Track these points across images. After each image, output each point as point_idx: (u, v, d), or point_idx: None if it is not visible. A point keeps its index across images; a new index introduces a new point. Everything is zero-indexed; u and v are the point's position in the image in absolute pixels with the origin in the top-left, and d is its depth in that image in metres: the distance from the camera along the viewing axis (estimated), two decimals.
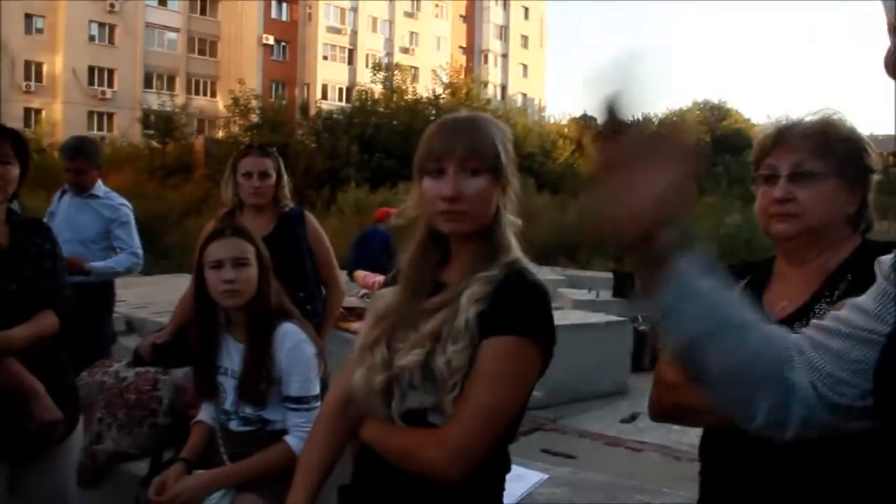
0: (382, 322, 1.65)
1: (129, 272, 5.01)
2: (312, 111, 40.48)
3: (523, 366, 1.53)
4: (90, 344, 4.45)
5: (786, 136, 1.65)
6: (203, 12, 50.61)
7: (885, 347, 0.87)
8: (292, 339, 2.53)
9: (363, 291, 7.24)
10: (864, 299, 0.97)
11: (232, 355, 2.58)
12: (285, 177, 3.91)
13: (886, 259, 0.94)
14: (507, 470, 1.69)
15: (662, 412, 1.77)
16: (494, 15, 60.36)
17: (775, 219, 1.65)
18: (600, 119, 0.93)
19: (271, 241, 3.66)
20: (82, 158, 4.87)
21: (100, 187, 4.98)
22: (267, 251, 2.64)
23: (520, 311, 1.53)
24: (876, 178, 1.66)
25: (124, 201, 5.06)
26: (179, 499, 2.41)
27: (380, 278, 7.34)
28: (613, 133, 0.92)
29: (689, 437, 6.31)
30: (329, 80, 50.79)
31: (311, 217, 4.05)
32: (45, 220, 5.02)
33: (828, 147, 1.60)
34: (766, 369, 0.97)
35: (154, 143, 38.65)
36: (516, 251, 1.62)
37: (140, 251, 4.97)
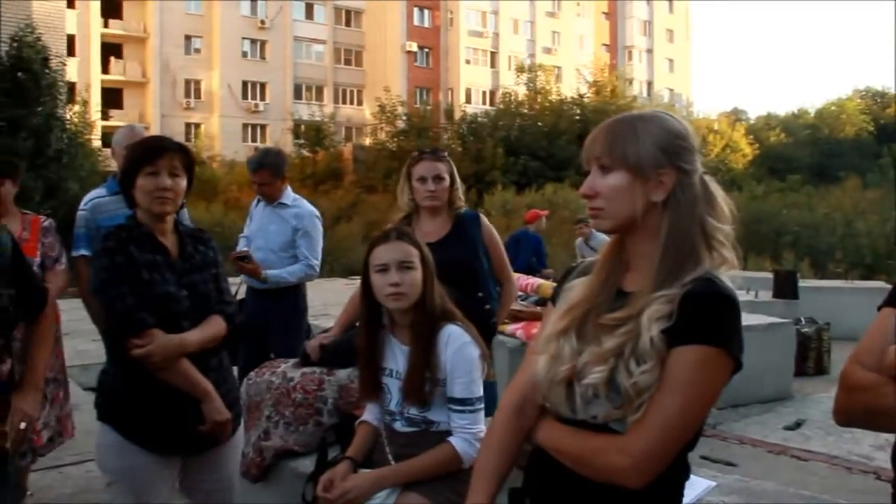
0: (574, 311, 1.66)
1: (302, 282, 5.21)
2: (457, 115, 40.98)
3: (712, 375, 1.50)
4: (284, 338, 4.87)
5: None
6: (348, 23, 52.19)
7: None
8: (456, 340, 2.56)
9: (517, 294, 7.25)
10: None
11: (397, 357, 2.63)
12: (458, 180, 4.00)
13: None
14: (687, 477, 1.66)
15: (850, 416, 1.66)
16: (638, 10, 59.18)
17: None
18: None
19: (448, 243, 3.77)
20: (264, 171, 5.10)
21: (288, 195, 5.21)
22: (431, 255, 2.68)
23: (709, 320, 1.50)
24: None
25: (313, 210, 5.25)
26: (347, 496, 2.47)
27: (533, 280, 7.34)
28: None
29: (862, 447, 5.98)
30: (472, 83, 51.24)
31: (485, 219, 4.14)
32: (246, 225, 5.33)
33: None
34: None
35: (305, 152, 40.15)
36: (707, 264, 1.57)
37: (315, 262, 5.15)
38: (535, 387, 1.67)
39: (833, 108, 56.14)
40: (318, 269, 5.20)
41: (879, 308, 1.73)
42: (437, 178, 3.86)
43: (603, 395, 1.53)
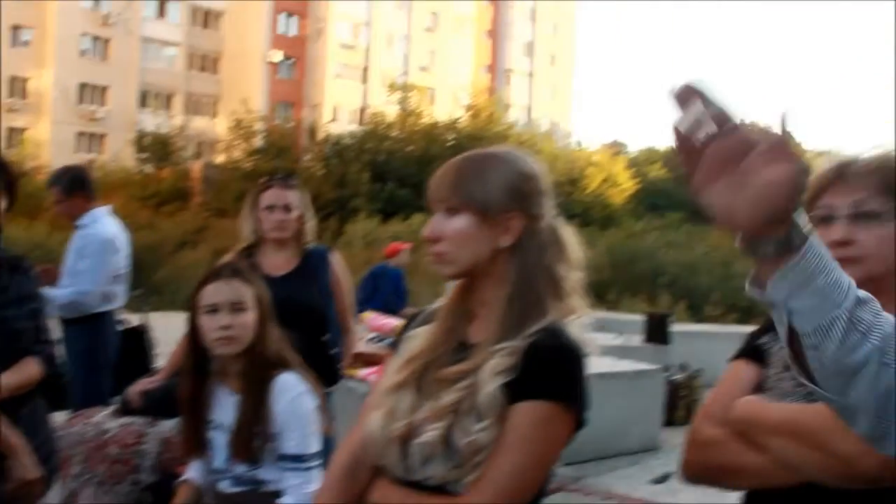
0: (413, 362, 1.68)
1: (81, 309, 5.00)
2: (321, 135, 40.77)
3: (553, 432, 1.56)
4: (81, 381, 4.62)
5: (845, 173, 1.61)
6: (205, 26, 51.24)
7: None
8: (291, 390, 2.54)
9: (371, 335, 7.25)
10: None
11: (225, 408, 2.59)
12: (309, 212, 4.00)
13: None
14: None
15: (699, 473, 1.73)
16: (521, 31, 60.40)
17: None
18: (713, 116, 1.01)
19: (293, 280, 3.75)
20: (55, 188, 5.05)
21: (90, 215, 5.06)
22: (270, 293, 2.66)
23: (551, 374, 1.56)
24: None
25: (104, 234, 5.07)
26: None
27: (390, 321, 7.37)
28: (724, 130, 0.99)
29: (731, 499, 6.23)
30: (340, 100, 51.08)
31: (335, 256, 4.13)
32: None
33: (891, 185, 1.57)
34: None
35: (148, 168, 39.00)
36: (553, 314, 1.63)
37: (91, 289, 4.94)
38: (368, 445, 1.69)
39: None
40: (91, 298, 4.96)
41: (731, 360, 1.83)
42: (286, 208, 3.85)
43: (439, 454, 1.55)
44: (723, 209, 0.98)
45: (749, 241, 1.01)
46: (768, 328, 1.82)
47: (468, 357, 1.62)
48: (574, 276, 1.69)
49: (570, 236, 1.73)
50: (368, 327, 7.73)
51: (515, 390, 1.53)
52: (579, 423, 1.61)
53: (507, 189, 1.65)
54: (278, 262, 3.86)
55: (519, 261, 1.65)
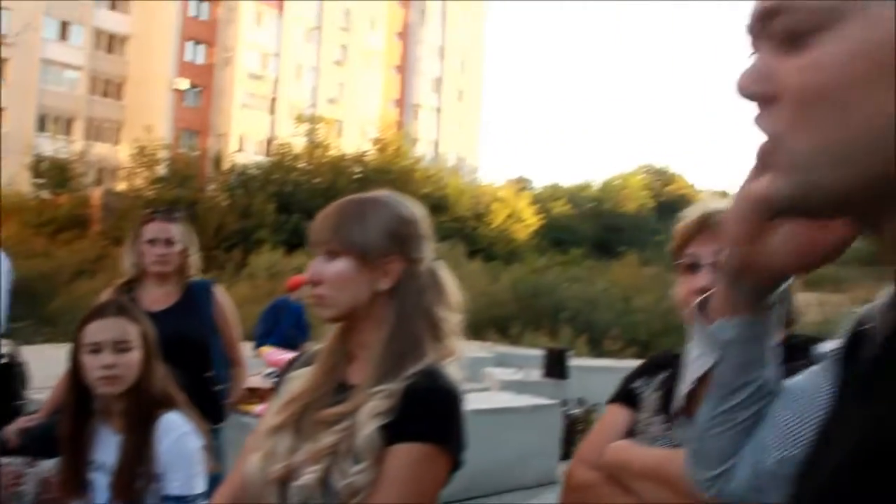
0: (293, 404, 1.69)
1: None
2: (226, 164, 40.32)
3: (428, 473, 1.59)
4: None
5: (709, 222, 1.68)
6: (110, 50, 50.16)
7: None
8: (176, 430, 2.51)
9: (269, 370, 7.16)
10: (794, 382, 1.02)
11: (107, 448, 2.53)
12: (194, 244, 3.95)
13: (824, 347, 0.99)
14: None
15: None
16: (429, 67, 61.10)
17: None
18: None
19: (175, 314, 3.68)
20: None
21: None
22: (154, 332, 2.63)
23: (427, 416, 1.60)
24: None
25: None
26: None
27: (288, 356, 7.27)
28: None
29: None
30: (247, 131, 50.53)
31: (219, 289, 4.09)
32: None
33: None
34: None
35: (45, 194, 37.84)
36: (432, 356, 1.67)
37: None
38: (247, 487, 1.68)
39: (617, 182, 60.48)
40: None
41: (607, 403, 1.89)
42: (168, 242, 3.81)
43: (317, 496, 1.57)
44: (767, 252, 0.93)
45: (743, 281, 0.98)
46: (641, 372, 1.90)
47: (347, 399, 1.65)
48: (453, 318, 1.73)
49: (449, 279, 1.78)
50: (266, 362, 7.64)
51: (392, 432, 1.56)
52: (455, 465, 1.64)
53: (386, 233, 1.70)
54: (159, 297, 3.80)
55: (398, 304, 1.69)
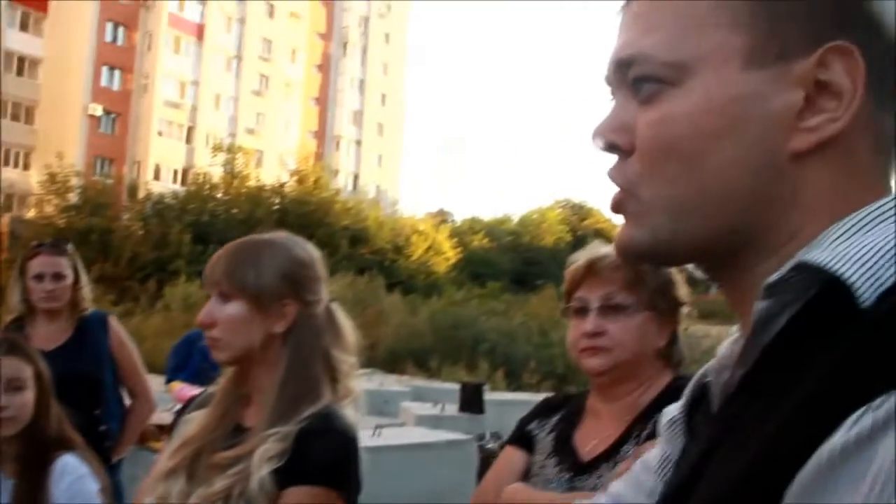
0: (186, 447, 1.66)
1: None
2: (142, 193, 39.66)
3: None
4: None
5: (596, 267, 1.73)
6: (20, 73, 48.88)
7: None
8: (71, 473, 2.43)
9: (178, 406, 6.99)
10: (653, 454, 1.00)
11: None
12: (84, 277, 3.82)
13: (669, 410, 0.96)
14: None
15: None
16: (350, 99, 61.25)
17: (586, 353, 1.73)
18: None
19: (67, 351, 3.56)
20: None
21: None
22: (48, 371, 2.54)
23: (320, 459, 1.59)
24: (685, 310, 1.78)
25: None
26: None
27: (198, 391, 7.11)
28: None
29: None
30: (163, 159, 49.75)
31: (114, 321, 3.97)
32: None
33: (638, 279, 1.70)
34: None
35: None
36: (328, 398, 1.66)
37: None
38: None
39: (535, 216, 61.35)
40: None
41: (503, 445, 1.90)
42: (57, 276, 3.66)
43: None
44: None
45: None
46: (536, 415, 1.92)
47: (242, 442, 1.63)
48: (350, 360, 1.73)
49: (346, 321, 1.77)
50: (175, 398, 7.46)
51: (286, 476, 1.55)
52: None
53: (281, 276, 1.69)
54: (51, 334, 3.66)
55: (293, 346, 1.69)
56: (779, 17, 0.67)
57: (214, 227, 35.83)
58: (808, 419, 0.55)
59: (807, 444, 0.53)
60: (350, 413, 1.69)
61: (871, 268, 0.60)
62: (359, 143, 61.69)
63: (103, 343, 3.82)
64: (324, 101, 60.46)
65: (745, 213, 0.68)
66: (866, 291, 0.59)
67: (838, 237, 0.64)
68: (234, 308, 1.67)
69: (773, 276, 0.64)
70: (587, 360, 1.73)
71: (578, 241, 55.08)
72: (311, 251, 1.78)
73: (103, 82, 49.23)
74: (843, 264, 0.60)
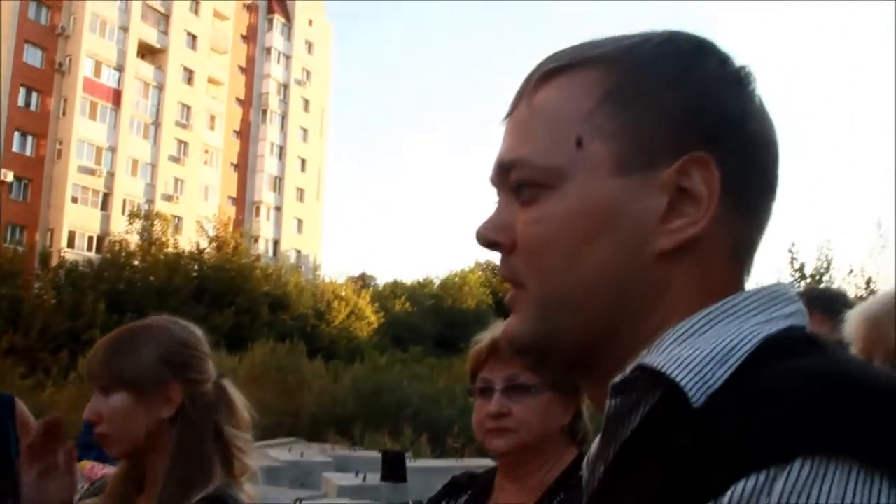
0: None
1: None
2: (55, 261, 38.63)
3: None
4: None
5: (499, 348, 1.72)
6: None
7: None
8: None
9: (85, 486, 6.78)
10: None
11: None
12: None
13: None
14: None
15: None
16: (269, 165, 61.08)
17: (491, 434, 1.73)
18: None
19: None
20: None
21: None
22: None
23: None
24: None
25: None
26: None
27: (110, 471, 6.92)
28: None
29: None
30: (78, 226, 48.64)
31: (21, 405, 3.85)
32: None
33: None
34: None
35: None
36: (220, 478, 1.65)
37: None
38: None
39: (456, 279, 61.52)
40: None
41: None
42: None
43: None
44: None
45: None
46: (445, 494, 1.94)
47: None
48: (244, 436, 1.73)
49: (238, 396, 1.77)
50: (85, 477, 7.22)
51: None
52: None
53: (159, 360, 1.69)
54: None
55: (181, 430, 1.67)
56: (644, 130, 0.73)
57: (131, 296, 35.06)
58: None
59: None
60: (249, 489, 1.67)
61: (700, 371, 0.65)
62: (278, 208, 61.43)
63: (10, 431, 3.70)
64: (243, 167, 60.24)
65: (615, 309, 0.73)
66: (697, 393, 0.64)
67: (674, 340, 0.69)
68: (117, 400, 1.65)
69: (618, 378, 0.69)
70: (492, 440, 1.73)
71: (500, 303, 55.43)
72: (191, 331, 1.78)
73: (15, 147, 48.11)
74: (676, 367, 0.65)
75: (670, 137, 0.73)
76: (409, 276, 62.94)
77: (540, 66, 0.79)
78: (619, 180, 0.72)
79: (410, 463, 11.45)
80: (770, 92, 0.80)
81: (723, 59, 0.76)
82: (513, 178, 0.77)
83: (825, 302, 2.24)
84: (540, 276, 0.74)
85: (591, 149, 0.73)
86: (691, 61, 0.76)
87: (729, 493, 0.55)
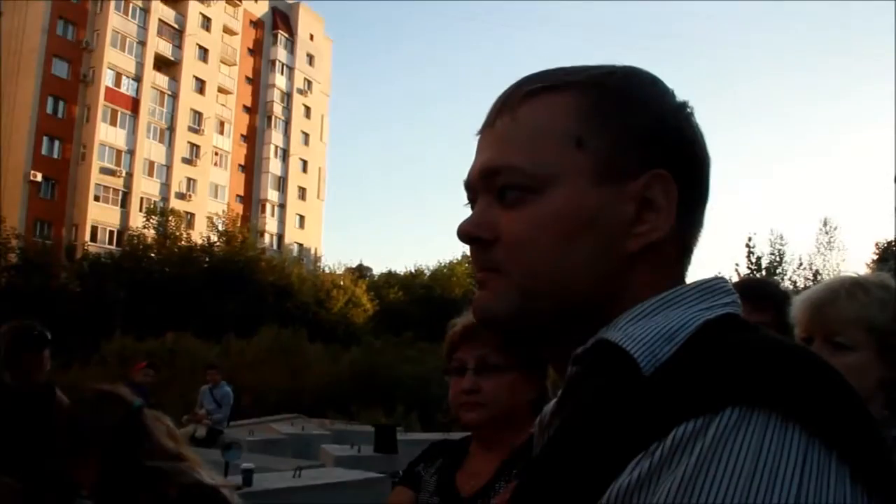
0: None
1: None
2: (79, 253, 38.44)
3: None
4: None
5: (472, 331, 1.79)
6: None
7: None
8: None
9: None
10: None
11: None
12: None
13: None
14: None
15: None
16: (273, 166, 61.06)
17: (465, 408, 1.80)
18: None
19: None
20: None
21: None
22: None
23: None
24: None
25: None
26: None
27: None
28: None
29: None
30: (100, 222, 48.53)
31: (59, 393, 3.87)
32: None
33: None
34: None
35: None
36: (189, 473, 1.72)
37: None
38: None
39: (445, 270, 61.36)
40: None
41: (394, 485, 1.97)
42: None
43: None
44: None
45: None
46: (423, 457, 2.00)
47: None
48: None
49: (162, 421, 1.82)
50: None
51: None
52: None
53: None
54: None
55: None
56: (616, 148, 0.78)
57: (148, 285, 34.92)
58: (602, 463, 0.66)
59: (601, 484, 0.65)
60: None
61: (650, 346, 0.71)
62: (282, 206, 61.41)
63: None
64: (250, 169, 60.18)
65: (586, 299, 0.78)
66: (647, 364, 0.70)
67: (629, 321, 0.75)
68: None
69: (580, 349, 0.75)
70: (465, 414, 1.80)
71: None
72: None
73: (44, 151, 47.93)
74: (629, 342, 0.72)
75: (637, 155, 0.78)
76: (402, 267, 62.68)
77: (519, 85, 0.82)
78: (598, 189, 0.77)
79: (401, 436, 11.47)
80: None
81: (672, 92, 0.83)
82: (500, 182, 0.80)
83: (754, 293, 2.34)
84: (524, 267, 0.78)
85: (574, 161, 0.78)
86: (651, 92, 0.82)
87: (671, 435, 0.62)
